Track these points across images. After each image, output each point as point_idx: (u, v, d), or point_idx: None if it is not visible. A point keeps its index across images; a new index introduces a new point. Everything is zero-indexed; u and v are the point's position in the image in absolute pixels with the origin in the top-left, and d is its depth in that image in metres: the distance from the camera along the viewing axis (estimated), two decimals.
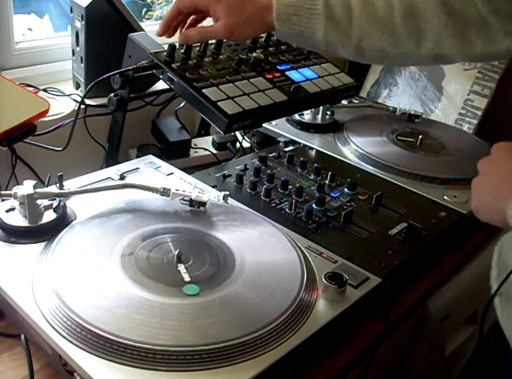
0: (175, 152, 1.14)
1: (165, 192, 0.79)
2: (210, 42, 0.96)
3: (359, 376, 0.76)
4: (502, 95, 1.37)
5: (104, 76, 0.96)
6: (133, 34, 1.02)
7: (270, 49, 1.05)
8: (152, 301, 0.62)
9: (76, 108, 1.07)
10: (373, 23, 0.79)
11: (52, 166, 0.95)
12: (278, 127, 1.15)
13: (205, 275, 0.67)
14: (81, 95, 1.12)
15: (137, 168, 0.91)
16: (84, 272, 0.65)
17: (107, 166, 0.97)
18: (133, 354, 0.55)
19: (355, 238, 0.81)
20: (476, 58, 0.83)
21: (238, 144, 1.20)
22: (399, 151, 1.08)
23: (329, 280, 0.66)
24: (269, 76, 0.97)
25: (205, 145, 1.21)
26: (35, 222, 0.73)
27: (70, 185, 0.81)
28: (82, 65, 1.12)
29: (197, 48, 0.95)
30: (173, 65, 0.88)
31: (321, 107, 1.16)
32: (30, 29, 1.25)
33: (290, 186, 0.92)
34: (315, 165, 0.98)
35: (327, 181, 0.95)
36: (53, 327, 0.58)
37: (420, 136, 1.12)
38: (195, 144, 1.21)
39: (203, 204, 0.80)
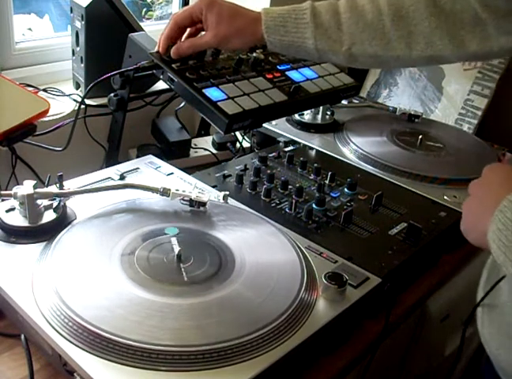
0: (175, 152, 1.14)
1: (165, 192, 0.79)
2: None
3: (359, 376, 0.76)
4: (502, 95, 1.37)
5: (104, 77, 0.96)
6: (133, 34, 1.02)
7: None
8: (152, 301, 0.62)
9: (76, 108, 1.07)
10: (363, 28, 0.79)
11: (52, 166, 0.95)
12: (278, 127, 1.15)
13: (205, 275, 0.67)
14: (81, 95, 1.12)
15: (137, 168, 0.91)
16: (85, 272, 0.65)
17: (107, 166, 0.97)
18: (133, 354, 0.55)
19: (355, 238, 0.81)
20: (470, 57, 0.83)
21: (238, 144, 1.20)
22: (399, 151, 1.08)
23: (329, 280, 0.66)
24: (269, 76, 0.97)
25: (205, 145, 1.21)
26: (35, 222, 0.73)
27: (70, 185, 0.81)
28: (82, 65, 1.12)
29: None
30: (173, 66, 0.88)
31: (321, 107, 1.16)
32: (30, 29, 1.25)
33: (290, 186, 0.92)
34: (315, 165, 0.98)
35: (327, 182, 0.95)
36: (53, 327, 0.58)
37: (420, 137, 1.12)
38: (195, 144, 1.21)
39: (203, 204, 0.80)
